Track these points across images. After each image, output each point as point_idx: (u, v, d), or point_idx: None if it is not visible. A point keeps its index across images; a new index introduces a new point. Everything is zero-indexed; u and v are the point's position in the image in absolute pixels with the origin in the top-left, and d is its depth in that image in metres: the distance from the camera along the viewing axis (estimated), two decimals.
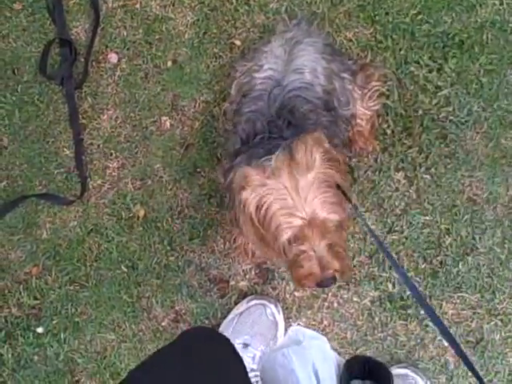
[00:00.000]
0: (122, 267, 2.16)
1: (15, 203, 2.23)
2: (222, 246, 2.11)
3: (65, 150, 2.25)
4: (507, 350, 1.95)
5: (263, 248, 1.62)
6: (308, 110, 1.71)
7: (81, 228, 2.20)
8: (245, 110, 1.76)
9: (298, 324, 2.04)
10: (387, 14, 2.09)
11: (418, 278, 1.99)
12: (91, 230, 2.20)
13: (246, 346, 1.97)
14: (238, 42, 2.18)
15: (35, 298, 2.19)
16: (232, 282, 2.09)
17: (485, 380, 1.85)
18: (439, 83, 2.04)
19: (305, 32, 1.85)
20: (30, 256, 2.22)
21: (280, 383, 1.22)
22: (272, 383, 1.25)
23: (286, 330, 2.02)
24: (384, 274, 2.00)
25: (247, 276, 2.09)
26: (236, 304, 2.07)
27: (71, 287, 2.18)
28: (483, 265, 1.98)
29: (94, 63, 2.27)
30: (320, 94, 1.74)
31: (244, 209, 1.51)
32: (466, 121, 2.02)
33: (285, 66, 1.74)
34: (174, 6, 2.24)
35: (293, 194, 1.45)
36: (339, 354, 1.87)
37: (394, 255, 1.99)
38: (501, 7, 2.05)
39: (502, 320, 1.95)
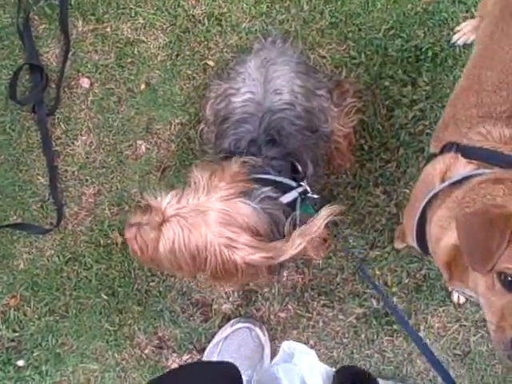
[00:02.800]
0: (103, 295, 2.07)
1: None
2: None
3: (39, 177, 2.16)
4: (495, 361, 1.90)
5: None
6: (295, 130, 1.66)
7: (58, 257, 2.11)
8: (230, 133, 1.68)
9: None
10: (360, 30, 2.05)
11: (402, 293, 1.92)
12: (69, 258, 2.11)
13: None
14: (211, 63, 2.11)
15: (14, 331, 2.09)
16: (215, 306, 2.01)
17: None
18: (414, 97, 2.00)
19: (279, 51, 1.79)
20: (7, 287, 2.12)
21: None
22: None
23: (271, 351, 1.94)
24: (368, 291, 1.94)
25: (230, 299, 2.01)
26: (220, 328, 1.99)
27: (51, 318, 2.08)
28: None
29: (65, 89, 2.18)
30: (302, 114, 1.68)
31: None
32: None
33: (263, 87, 1.67)
34: (145, 28, 2.16)
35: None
36: None
37: (376, 271, 1.93)
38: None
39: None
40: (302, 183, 1.58)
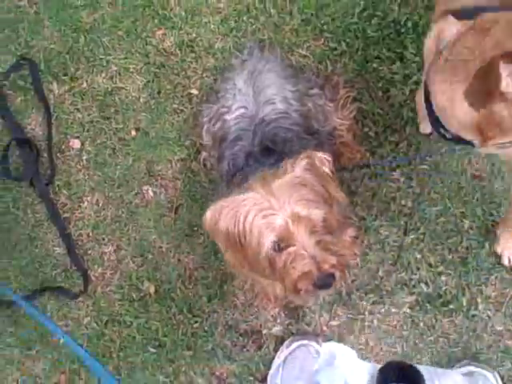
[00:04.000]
0: (150, 349, 1.92)
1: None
2: (243, 297, 1.88)
3: (56, 248, 2.04)
4: None
5: (249, 273, 1.41)
6: (290, 136, 1.54)
7: (96, 322, 1.97)
8: (227, 153, 1.57)
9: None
10: (333, 19, 1.89)
11: (449, 271, 1.76)
12: (107, 320, 1.97)
13: None
14: (194, 91, 1.96)
15: None
16: (264, 331, 1.85)
17: None
18: (406, 72, 1.83)
19: (261, 60, 1.66)
20: (54, 365, 2.00)
21: None
22: None
23: None
24: (414, 276, 1.78)
25: (278, 320, 1.85)
26: (276, 351, 1.82)
27: None
28: None
29: (58, 154, 2.05)
30: (298, 120, 1.56)
31: (219, 228, 1.28)
32: None
33: (254, 100, 1.56)
34: (120, 75, 2.01)
35: (268, 197, 1.24)
36: None
37: (416, 254, 1.78)
38: None
39: None
40: None
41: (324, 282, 1.24)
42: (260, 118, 1.53)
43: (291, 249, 1.24)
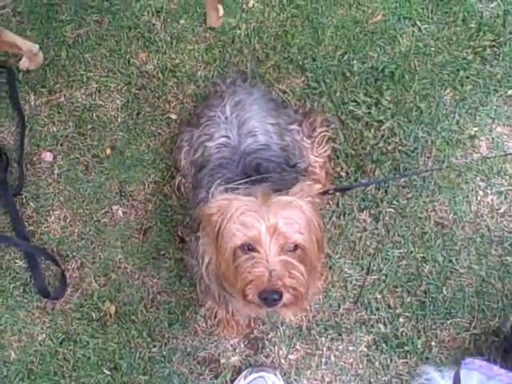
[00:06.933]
0: (104, 370, 1.94)
1: None
2: (204, 324, 1.94)
3: (17, 261, 2.01)
4: None
5: (218, 270, 1.43)
6: (273, 167, 1.61)
7: (51, 339, 1.98)
8: (205, 181, 1.62)
9: None
10: (314, 60, 2.01)
11: (407, 313, 1.86)
12: (63, 339, 1.98)
13: None
14: (173, 116, 2.04)
15: None
16: (223, 360, 1.91)
17: None
18: (380, 117, 1.97)
19: (246, 92, 1.75)
20: (2, 382, 1.97)
21: None
22: None
23: None
24: (373, 316, 1.88)
25: (237, 350, 1.91)
26: (233, 382, 1.88)
27: None
28: (466, 285, 1.89)
29: (28, 165, 2.08)
30: (278, 153, 1.64)
31: (208, 214, 1.36)
32: (414, 148, 1.95)
33: (237, 131, 1.63)
34: (100, 92, 2.08)
35: (261, 205, 1.32)
36: None
37: (377, 295, 1.87)
38: (419, 33, 2.01)
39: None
40: None
41: (269, 296, 1.29)
42: (242, 149, 1.61)
43: (255, 254, 1.30)
